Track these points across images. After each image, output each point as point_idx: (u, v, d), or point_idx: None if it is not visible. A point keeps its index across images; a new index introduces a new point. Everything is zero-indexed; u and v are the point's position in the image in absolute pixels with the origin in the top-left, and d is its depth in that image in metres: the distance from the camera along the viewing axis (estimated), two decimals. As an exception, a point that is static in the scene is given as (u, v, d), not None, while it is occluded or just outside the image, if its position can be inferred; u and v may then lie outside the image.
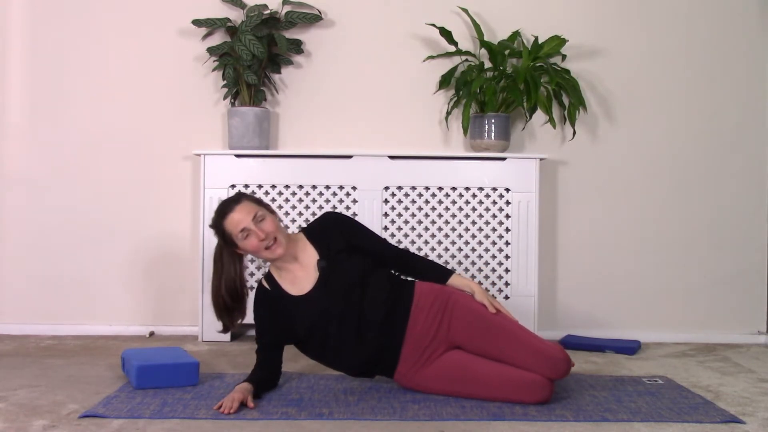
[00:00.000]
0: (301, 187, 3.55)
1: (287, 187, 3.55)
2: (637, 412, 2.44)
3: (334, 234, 2.66)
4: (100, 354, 3.27)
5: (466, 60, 3.71)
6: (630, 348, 3.42)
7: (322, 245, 2.65)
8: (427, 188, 3.55)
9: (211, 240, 2.74)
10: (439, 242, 3.55)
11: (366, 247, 2.68)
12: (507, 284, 3.54)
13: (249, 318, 2.72)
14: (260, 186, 3.55)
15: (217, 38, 3.71)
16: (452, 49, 3.65)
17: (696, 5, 3.78)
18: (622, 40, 3.78)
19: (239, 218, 2.56)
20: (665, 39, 3.78)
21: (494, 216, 3.55)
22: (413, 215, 3.56)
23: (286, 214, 3.55)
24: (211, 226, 2.66)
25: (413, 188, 3.55)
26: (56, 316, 3.73)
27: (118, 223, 3.73)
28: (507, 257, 3.54)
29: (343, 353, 2.61)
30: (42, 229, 3.74)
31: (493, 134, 3.58)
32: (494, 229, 3.55)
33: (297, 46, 3.70)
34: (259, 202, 2.65)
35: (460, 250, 3.54)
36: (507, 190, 3.54)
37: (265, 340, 2.64)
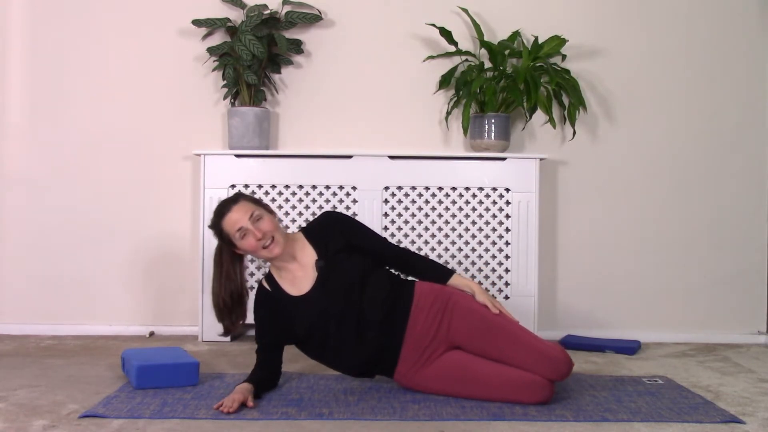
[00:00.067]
0: (301, 187, 3.55)
1: (287, 187, 3.55)
2: (637, 412, 2.44)
3: (333, 234, 2.66)
4: (100, 354, 3.27)
5: (466, 60, 3.71)
6: (630, 348, 3.42)
7: (320, 245, 2.65)
8: (427, 188, 3.55)
9: (211, 240, 2.74)
10: (439, 242, 3.55)
11: (366, 247, 2.67)
12: (507, 284, 3.54)
13: (249, 318, 2.72)
14: (260, 186, 3.55)
15: (217, 38, 3.71)
16: (452, 49, 3.65)
17: (696, 5, 3.78)
18: (622, 40, 3.78)
19: (236, 218, 2.57)
20: (665, 39, 3.78)
21: (494, 216, 3.55)
22: (413, 215, 3.56)
23: (286, 214, 3.55)
24: (210, 227, 2.67)
25: (413, 188, 3.55)
26: (56, 316, 3.73)
27: (118, 223, 3.73)
28: (507, 257, 3.54)
29: (343, 353, 2.61)
30: (42, 229, 3.74)
31: (493, 134, 3.58)
32: (494, 229, 3.55)
33: (297, 46, 3.70)
34: (256, 201, 2.65)
35: (460, 250, 3.54)
36: (507, 190, 3.54)
37: (265, 340, 2.64)
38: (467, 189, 3.55)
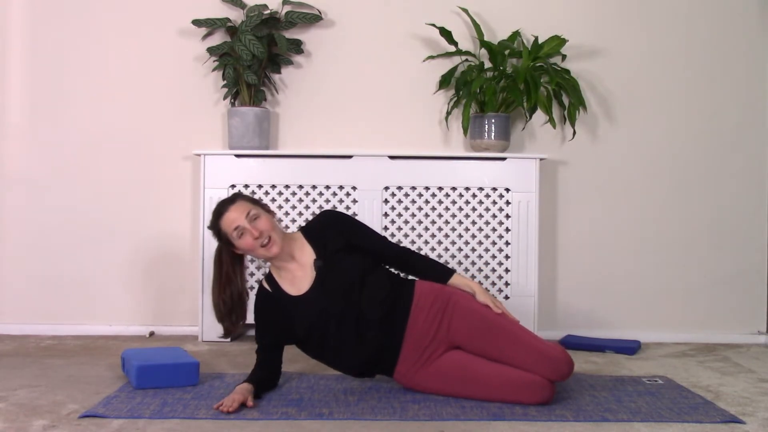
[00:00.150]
0: (301, 187, 3.55)
1: (287, 187, 3.55)
2: (637, 412, 2.44)
3: (332, 233, 2.65)
4: (100, 354, 3.27)
5: (466, 60, 3.71)
6: (630, 348, 3.42)
7: (319, 244, 2.65)
8: (427, 188, 3.55)
9: (211, 240, 2.74)
10: (439, 242, 3.55)
11: (365, 246, 2.67)
12: (507, 284, 3.54)
13: (249, 318, 2.72)
14: (260, 186, 3.55)
15: (217, 38, 3.71)
16: (452, 49, 3.65)
17: (696, 5, 3.78)
18: (622, 40, 3.78)
19: (234, 217, 2.57)
20: (665, 39, 3.78)
21: (494, 216, 3.55)
22: (413, 215, 3.56)
23: (286, 214, 3.55)
24: (209, 228, 2.67)
25: (413, 188, 3.55)
26: (56, 316, 3.73)
27: (118, 223, 3.73)
28: (507, 257, 3.54)
29: (343, 353, 2.61)
30: (42, 229, 3.74)
31: (493, 134, 3.58)
32: (494, 229, 3.55)
33: (297, 46, 3.70)
34: (254, 201, 2.65)
35: (460, 250, 3.54)
36: (507, 190, 3.54)
37: (265, 340, 2.64)
38: (467, 189, 3.55)
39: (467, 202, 3.55)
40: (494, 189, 3.54)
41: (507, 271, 3.55)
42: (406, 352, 2.59)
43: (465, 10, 3.67)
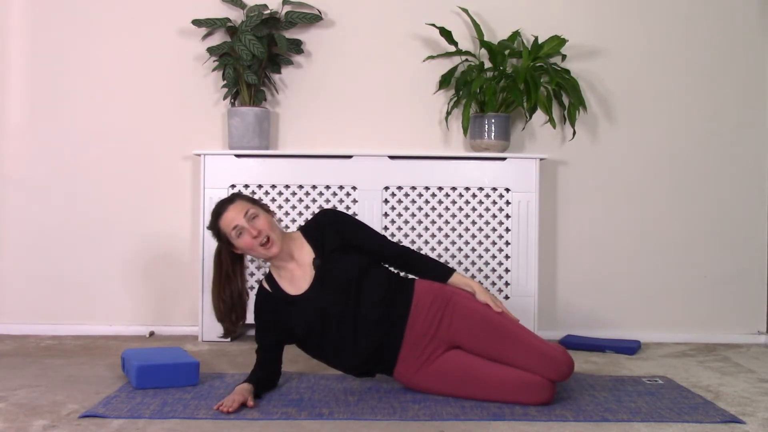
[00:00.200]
0: (301, 187, 3.55)
1: (287, 187, 3.55)
2: (637, 412, 2.44)
3: (331, 232, 2.65)
4: (100, 354, 3.27)
5: (466, 60, 3.71)
6: (630, 348, 3.42)
7: (317, 243, 2.64)
8: (427, 188, 3.55)
9: (211, 240, 2.73)
10: (439, 242, 3.55)
11: (364, 245, 2.67)
12: (507, 284, 3.54)
13: (249, 318, 2.72)
14: (260, 186, 3.55)
15: (217, 38, 3.71)
16: (452, 49, 3.65)
17: (696, 5, 3.78)
18: (622, 40, 3.78)
19: (232, 216, 2.57)
20: (665, 39, 3.78)
21: (494, 216, 3.55)
22: (413, 215, 3.56)
23: (286, 214, 3.55)
24: (208, 228, 2.68)
25: (413, 188, 3.55)
26: (56, 316, 3.73)
27: (118, 223, 3.73)
28: (507, 257, 3.54)
29: (343, 353, 2.60)
30: (42, 229, 3.74)
31: (493, 134, 3.58)
32: (494, 229, 3.55)
33: (297, 46, 3.70)
34: (253, 201, 2.65)
35: (460, 250, 3.54)
36: (507, 190, 3.54)
37: (265, 340, 2.64)
38: (467, 189, 3.55)
39: (467, 202, 3.55)
40: (494, 189, 3.54)
41: (507, 271, 3.55)
42: (405, 351, 2.59)
43: (465, 10, 3.67)
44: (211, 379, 2.79)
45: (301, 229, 2.72)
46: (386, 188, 3.54)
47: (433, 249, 3.54)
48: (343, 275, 2.59)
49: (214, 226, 2.62)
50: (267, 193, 3.55)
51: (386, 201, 3.55)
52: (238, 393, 2.44)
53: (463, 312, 2.57)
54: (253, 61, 3.53)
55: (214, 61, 3.67)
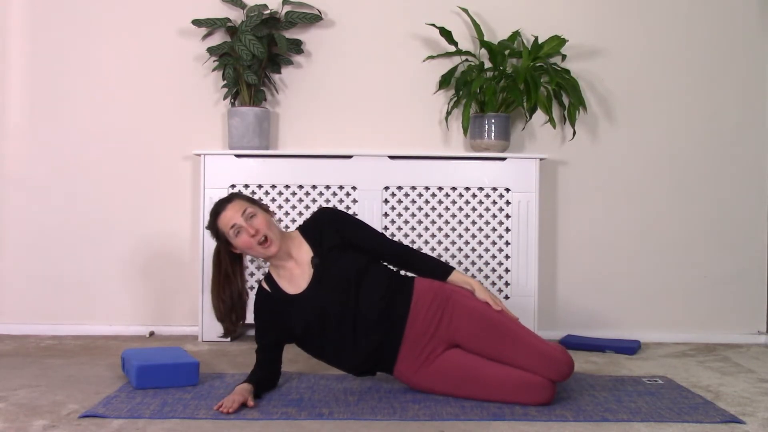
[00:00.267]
0: (301, 187, 3.55)
1: (287, 187, 3.55)
2: (637, 412, 2.44)
3: (329, 230, 2.65)
4: (100, 354, 3.27)
5: (466, 60, 3.71)
6: (630, 348, 3.42)
7: (316, 242, 2.64)
8: (427, 188, 3.55)
9: (212, 240, 2.73)
10: (439, 242, 3.55)
11: (362, 243, 2.66)
12: (507, 284, 3.54)
13: (249, 318, 2.72)
14: (260, 186, 3.55)
15: (217, 38, 3.71)
16: (452, 49, 3.65)
17: (696, 5, 3.78)
18: (622, 40, 3.78)
19: (230, 215, 2.57)
20: (665, 39, 3.78)
21: (494, 216, 3.55)
22: (413, 215, 3.56)
23: (286, 214, 3.55)
24: (207, 228, 2.68)
25: (413, 188, 3.55)
26: (56, 316, 3.73)
27: (118, 223, 3.73)
28: (507, 257, 3.54)
29: (343, 352, 2.60)
30: (42, 229, 3.74)
31: (493, 134, 3.58)
32: (494, 229, 3.55)
33: (297, 46, 3.70)
34: (251, 200, 2.65)
35: (460, 250, 3.54)
36: (507, 190, 3.54)
37: (264, 340, 2.64)
38: (467, 189, 3.55)
39: (467, 202, 3.55)
40: (494, 189, 3.54)
41: (507, 271, 3.55)
42: (405, 350, 2.58)
43: (465, 10, 3.67)
44: (211, 379, 2.79)
45: (299, 228, 2.72)
46: (386, 188, 3.54)
47: (433, 249, 3.54)
48: (342, 274, 2.58)
49: (213, 226, 2.63)
50: (267, 193, 3.55)
51: (386, 201, 3.55)
52: (238, 393, 2.44)
53: (462, 310, 2.57)
54: (253, 61, 3.53)
55: (214, 61, 3.67)
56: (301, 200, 3.55)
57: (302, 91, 3.76)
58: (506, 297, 3.53)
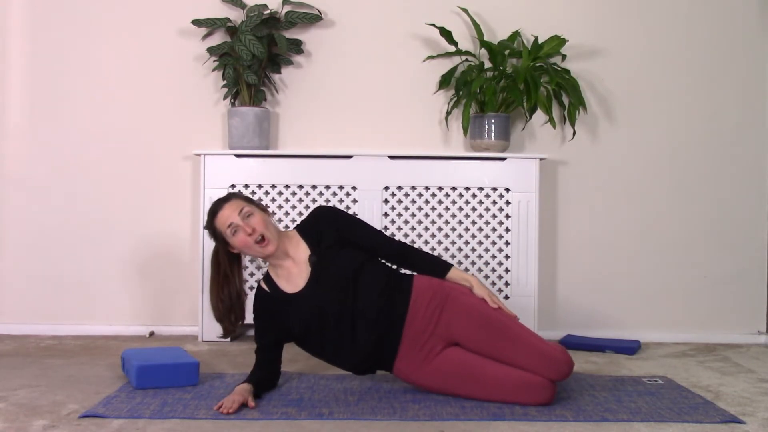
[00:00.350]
0: (301, 187, 3.55)
1: (287, 187, 3.55)
2: (637, 412, 2.44)
3: (326, 228, 2.65)
4: (100, 354, 3.27)
5: (466, 60, 3.71)
6: (630, 348, 3.42)
7: (313, 240, 2.64)
8: (427, 188, 3.55)
9: (211, 240, 2.73)
10: (439, 242, 3.55)
11: (360, 241, 2.66)
12: (507, 284, 3.54)
13: (248, 318, 2.72)
14: (260, 186, 3.55)
15: (217, 38, 3.71)
16: (452, 49, 3.65)
17: (696, 5, 3.78)
18: (622, 40, 3.78)
19: (227, 215, 2.57)
20: (665, 39, 3.78)
21: (494, 216, 3.55)
22: (413, 215, 3.56)
23: (286, 214, 3.55)
24: (205, 228, 2.68)
25: (413, 188, 3.55)
26: (56, 316, 3.73)
27: (118, 223, 3.73)
28: (507, 257, 3.54)
29: (342, 351, 2.60)
30: (42, 229, 3.74)
31: (493, 134, 3.58)
32: (494, 229, 3.55)
33: (297, 46, 3.70)
34: (248, 200, 2.65)
35: (460, 250, 3.54)
36: (507, 190, 3.54)
37: (264, 340, 2.64)
38: (467, 189, 3.55)
39: (467, 202, 3.55)
40: (494, 189, 3.54)
41: (507, 271, 3.55)
42: (404, 347, 2.58)
43: (465, 10, 3.67)
44: (211, 379, 2.79)
45: (297, 227, 2.72)
46: (386, 188, 3.54)
47: (433, 249, 3.54)
48: (340, 272, 2.58)
49: (210, 226, 2.63)
50: (267, 193, 3.55)
51: (386, 201, 3.55)
52: (237, 393, 2.44)
53: (461, 308, 2.56)
54: (253, 61, 3.53)
55: (214, 61, 3.67)
56: (301, 200, 3.55)
57: (302, 91, 3.76)
58: (506, 297, 3.54)
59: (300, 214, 3.54)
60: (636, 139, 3.78)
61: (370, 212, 3.51)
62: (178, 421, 2.30)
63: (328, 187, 3.54)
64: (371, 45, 3.76)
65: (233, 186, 3.53)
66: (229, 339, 3.50)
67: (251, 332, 3.61)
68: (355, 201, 3.54)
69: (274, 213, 3.53)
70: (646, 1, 3.78)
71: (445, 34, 3.61)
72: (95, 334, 3.70)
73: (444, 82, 3.68)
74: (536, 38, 3.66)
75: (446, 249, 3.54)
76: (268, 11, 3.63)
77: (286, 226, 3.53)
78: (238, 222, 2.56)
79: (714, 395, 2.68)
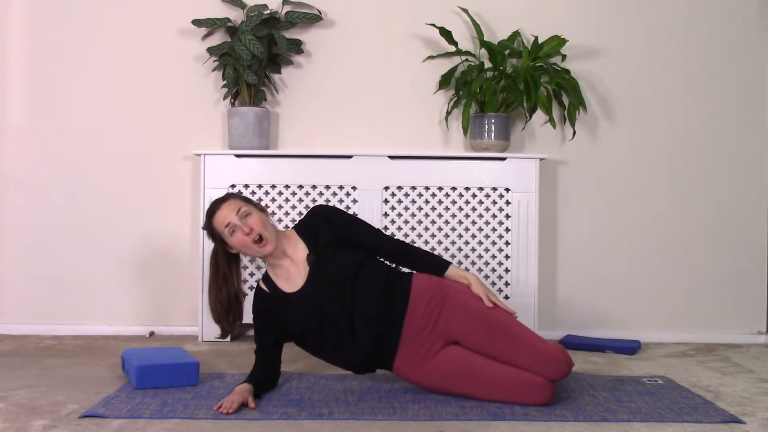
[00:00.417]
0: (301, 187, 3.55)
1: (287, 187, 3.55)
2: (637, 412, 2.44)
3: (323, 227, 2.65)
4: (100, 354, 3.27)
5: (466, 60, 3.71)
6: (630, 348, 3.42)
7: (311, 239, 2.64)
8: (427, 188, 3.55)
9: (210, 241, 2.73)
10: (439, 242, 3.55)
11: (358, 240, 2.66)
12: (507, 284, 3.54)
13: (247, 318, 2.72)
14: (260, 186, 3.55)
15: (217, 38, 3.71)
16: (452, 49, 3.65)
17: (696, 5, 3.78)
18: (622, 40, 3.78)
19: (225, 215, 2.58)
20: (665, 39, 3.78)
21: (494, 216, 3.55)
22: (413, 215, 3.56)
23: (286, 214, 3.55)
24: (203, 228, 2.68)
25: (413, 188, 3.55)
26: (56, 316, 3.73)
27: (118, 223, 3.73)
28: (507, 257, 3.54)
29: (342, 350, 2.60)
30: (42, 229, 3.74)
31: (493, 134, 3.58)
32: (494, 229, 3.55)
33: (297, 46, 3.70)
34: (247, 200, 2.66)
35: (460, 250, 3.54)
36: (507, 190, 3.54)
37: (263, 340, 2.64)
38: (467, 189, 3.55)
39: (467, 202, 3.55)
40: (494, 189, 3.54)
41: (507, 271, 3.55)
42: (404, 346, 2.57)
43: (465, 10, 3.67)
44: (211, 379, 2.79)
45: (295, 226, 2.72)
46: (386, 188, 3.54)
47: (433, 249, 3.54)
48: (338, 271, 2.58)
49: (208, 226, 2.63)
50: (267, 193, 3.55)
51: (386, 201, 3.55)
52: (237, 393, 2.44)
53: (460, 307, 2.56)
54: (253, 61, 3.53)
55: (214, 61, 3.67)
56: (301, 200, 3.55)
57: (302, 91, 3.76)
58: (506, 297, 3.54)
59: (300, 214, 3.54)
60: (636, 139, 3.78)
61: (370, 212, 3.51)
62: (178, 421, 2.30)
63: (328, 187, 3.54)
64: (371, 45, 3.76)
65: (233, 186, 3.53)
66: (228, 339, 3.50)
67: (251, 332, 3.61)
68: (355, 201, 3.54)
69: (273, 213, 3.53)
70: (646, 1, 3.78)
71: (445, 34, 3.61)
72: (95, 334, 3.70)
73: (444, 82, 3.68)
74: (536, 38, 3.66)
75: (446, 249, 3.54)
76: (268, 11, 3.63)
77: (286, 226, 3.53)
78: (236, 222, 2.56)
79: (714, 395, 2.68)
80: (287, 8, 3.67)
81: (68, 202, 3.74)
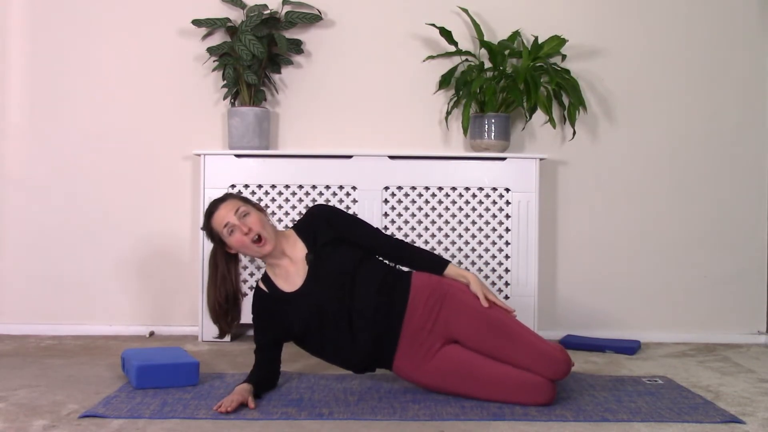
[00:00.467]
0: (301, 187, 3.55)
1: (287, 187, 3.55)
2: (637, 412, 2.44)
3: (322, 226, 2.65)
4: (100, 354, 3.27)
5: (466, 60, 3.71)
6: (630, 348, 3.42)
7: (309, 239, 2.64)
8: (427, 188, 3.55)
9: (209, 241, 2.73)
10: (439, 242, 3.55)
11: (357, 239, 2.66)
12: (507, 284, 3.54)
13: (244, 318, 2.72)
14: (260, 186, 3.55)
15: (217, 38, 3.71)
16: (452, 49, 3.65)
17: (696, 5, 3.78)
18: (622, 40, 3.78)
19: (223, 215, 2.58)
20: (665, 39, 3.78)
21: (494, 216, 3.55)
22: (413, 215, 3.56)
23: (286, 214, 3.55)
24: (202, 228, 2.69)
25: (413, 188, 3.55)
26: (56, 316, 3.73)
27: (118, 223, 3.73)
28: (507, 257, 3.54)
29: (341, 350, 2.60)
30: (42, 229, 3.74)
31: (493, 134, 3.58)
32: (494, 229, 3.55)
33: (297, 46, 3.70)
34: (245, 200, 2.66)
35: (460, 250, 3.54)
36: (507, 190, 3.54)
37: (263, 340, 2.64)
38: (467, 189, 3.55)
39: (467, 202, 3.55)
40: (494, 189, 3.54)
41: (507, 271, 3.55)
42: (403, 345, 2.57)
43: (465, 10, 3.67)
44: (211, 379, 2.79)
45: (294, 226, 2.73)
46: (386, 188, 3.54)
47: (433, 249, 3.54)
48: (337, 270, 2.58)
49: (207, 226, 2.63)
50: (267, 193, 3.55)
51: (386, 201, 3.55)
52: (237, 393, 2.44)
53: (460, 306, 2.56)
54: (253, 61, 3.53)
55: (214, 61, 3.67)
56: (301, 200, 3.55)
57: (302, 91, 3.76)
58: (506, 297, 3.54)
59: (300, 213, 3.54)
60: (636, 139, 3.78)
61: (370, 212, 3.51)
62: (178, 421, 2.30)
63: (328, 187, 3.54)
64: (371, 45, 3.76)
65: (233, 186, 3.53)
66: (228, 339, 3.50)
67: (251, 332, 3.61)
68: (355, 201, 3.54)
69: (273, 213, 3.53)
70: (646, 1, 3.78)
71: (445, 34, 3.61)
72: (95, 334, 3.70)
73: (444, 82, 3.68)
74: (536, 38, 3.66)
75: (446, 249, 3.54)
76: (268, 11, 3.63)
77: (286, 226, 3.53)
78: (235, 222, 2.56)
79: (714, 395, 2.68)
80: (287, 8, 3.67)
81: (68, 202, 3.74)
